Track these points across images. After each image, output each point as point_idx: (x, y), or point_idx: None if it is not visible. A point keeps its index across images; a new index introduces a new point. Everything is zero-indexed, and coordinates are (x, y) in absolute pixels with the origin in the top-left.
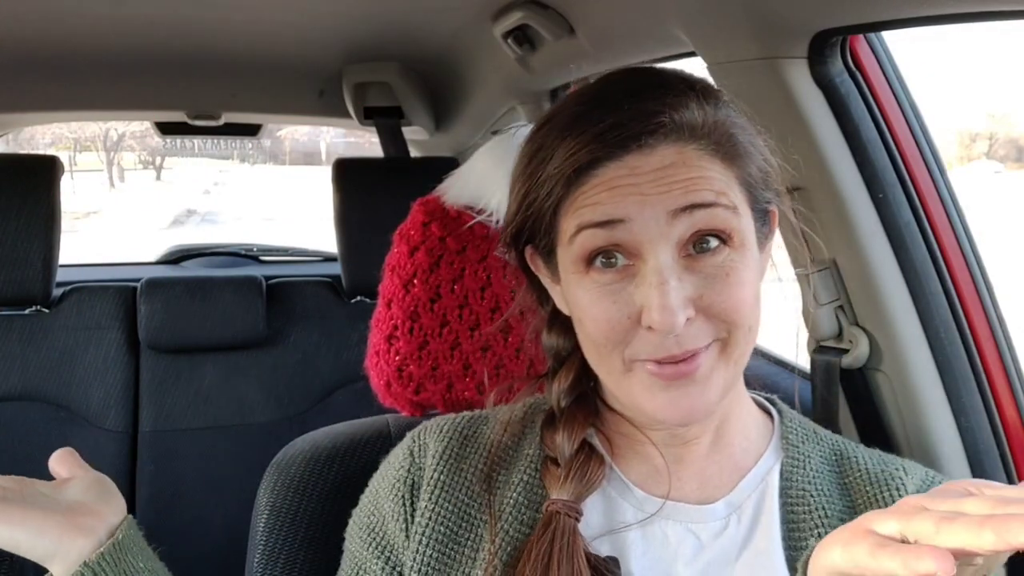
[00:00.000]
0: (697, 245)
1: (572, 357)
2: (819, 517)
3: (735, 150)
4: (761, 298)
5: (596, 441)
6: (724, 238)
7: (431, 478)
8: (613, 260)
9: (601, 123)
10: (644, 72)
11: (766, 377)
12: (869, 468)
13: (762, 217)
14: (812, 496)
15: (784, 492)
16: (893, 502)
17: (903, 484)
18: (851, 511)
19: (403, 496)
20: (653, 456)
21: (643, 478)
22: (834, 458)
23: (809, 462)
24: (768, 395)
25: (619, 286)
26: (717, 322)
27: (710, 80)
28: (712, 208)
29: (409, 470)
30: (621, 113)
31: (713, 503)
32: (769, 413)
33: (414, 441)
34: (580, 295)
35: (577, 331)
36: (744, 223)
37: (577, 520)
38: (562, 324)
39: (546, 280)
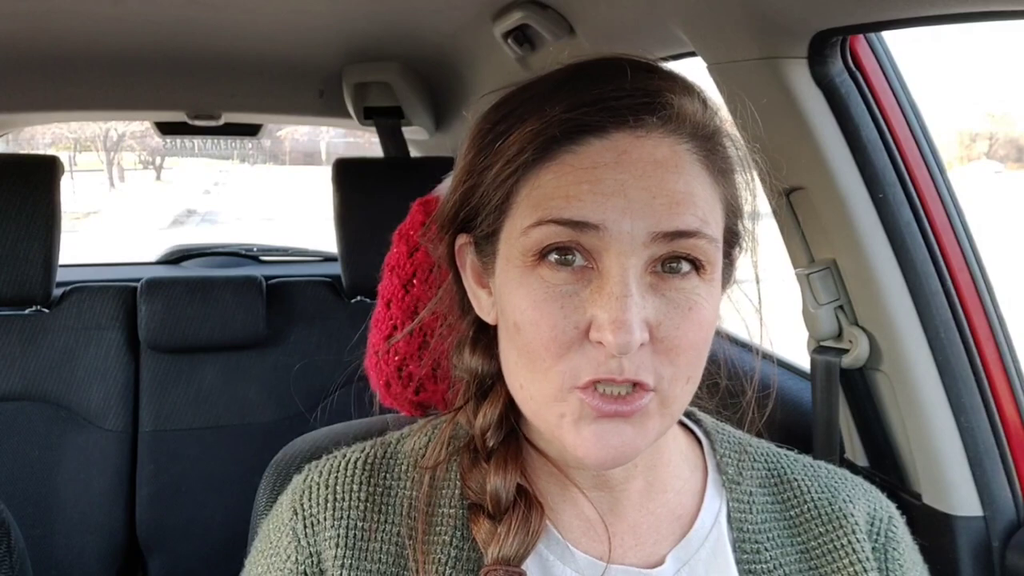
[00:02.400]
0: (666, 264)
1: (499, 383)
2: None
3: (725, 165)
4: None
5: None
6: (697, 266)
7: (337, 575)
8: (570, 258)
9: (593, 91)
10: (632, 57)
11: (766, 377)
12: (816, 501)
13: (728, 256)
14: (766, 548)
15: (738, 547)
16: (849, 546)
17: (856, 524)
18: (805, 555)
19: None
20: (583, 506)
21: (578, 535)
22: (773, 483)
23: (754, 501)
24: (688, 408)
25: (571, 289)
26: (664, 359)
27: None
28: (695, 238)
29: (298, 561)
30: (615, 83)
31: (660, 563)
32: (692, 432)
33: (296, 514)
34: (520, 295)
35: (506, 341)
36: (718, 257)
37: None
38: (487, 342)
39: (470, 282)
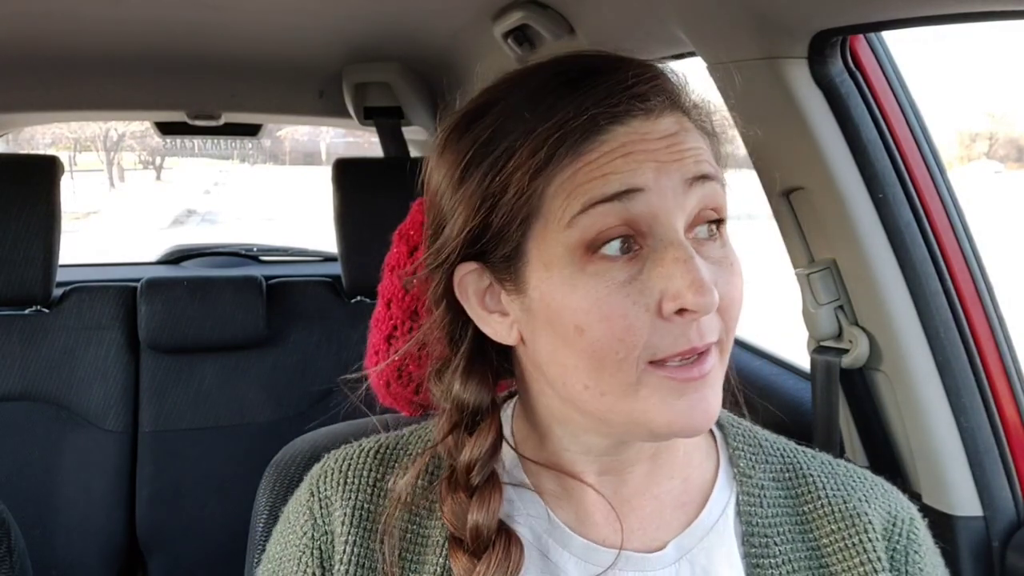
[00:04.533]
0: (700, 226)
1: (490, 416)
2: (787, 573)
3: (714, 129)
4: None
5: (524, 479)
6: (719, 218)
7: (343, 551)
8: (626, 245)
9: (603, 84)
10: (603, 51)
11: (767, 377)
12: (831, 498)
13: None
14: (775, 543)
15: (747, 540)
16: (861, 546)
17: (870, 524)
18: (816, 553)
19: (313, 573)
20: (586, 492)
21: (578, 520)
22: (787, 477)
23: (765, 495)
24: None
25: (629, 276)
26: (724, 318)
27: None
28: (715, 182)
29: (313, 538)
30: (620, 75)
31: (661, 548)
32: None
33: (313, 495)
34: (578, 297)
35: (554, 350)
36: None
37: None
38: (481, 373)
39: (476, 310)
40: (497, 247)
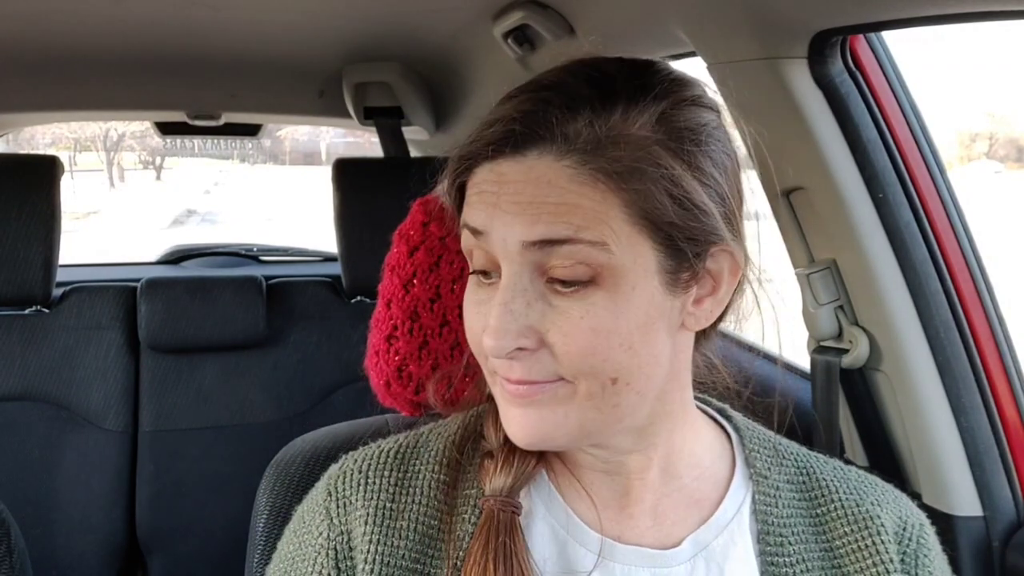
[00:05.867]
0: (560, 273)
1: None
2: (801, 572)
3: (639, 174)
4: (651, 346)
5: (544, 474)
6: (594, 271)
7: (366, 550)
8: (489, 274)
9: (492, 118)
10: (571, 67)
11: (766, 377)
12: (844, 501)
13: (683, 255)
14: (790, 543)
15: (762, 539)
16: (874, 547)
17: (883, 527)
18: (829, 554)
19: (328, 573)
20: (602, 488)
21: (595, 516)
22: (801, 480)
23: (780, 495)
24: (720, 405)
25: (485, 297)
26: (565, 362)
27: (684, 78)
28: (570, 244)
29: (329, 538)
30: (507, 110)
31: (677, 545)
32: (723, 428)
33: (331, 495)
34: (465, 299)
35: None
36: (624, 260)
37: (516, 514)
38: None
39: None
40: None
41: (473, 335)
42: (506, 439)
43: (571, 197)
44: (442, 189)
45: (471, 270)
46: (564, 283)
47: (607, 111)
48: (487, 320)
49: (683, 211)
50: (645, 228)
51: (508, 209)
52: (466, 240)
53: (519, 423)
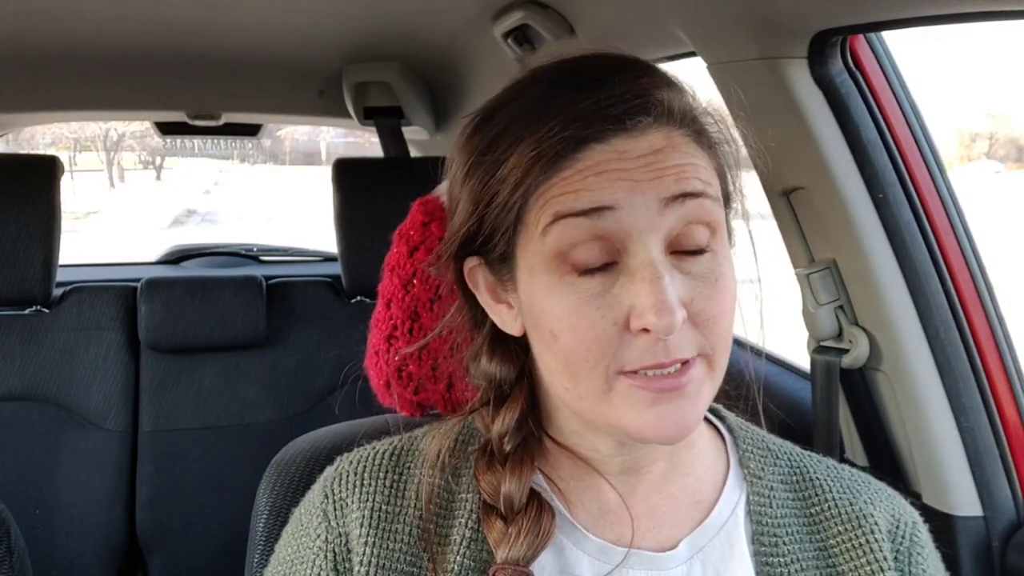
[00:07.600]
0: (684, 241)
1: (518, 388)
2: (796, 572)
3: (712, 138)
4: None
5: (541, 480)
6: (711, 231)
7: (362, 553)
8: (595, 258)
9: (585, 101)
10: (613, 55)
11: (767, 377)
12: (837, 500)
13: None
14: (785, 543)
15: (756, 539)
16: (868, 546)
17: (876, 525)
18: (823, 553)
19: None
20: (603, 491)
21: (594, 519)
22: (795, 480)
23: (774, 496)
24: (713, 404)
25: (601, 288)
26: (704, 333)
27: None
28: (701, 198)
29: (327, 540)
30: (606, 91)
31: (674, 547)
32: (716, 428)
33: (327, 497)
34: (553, 303)
35: (542, 349)
36: (723, 220)
37: None
38: (505, 349)
39: (487, 300)
40: (492, 247)
41: (592, 334)
42: (530, 500)
43: (691, 158)
44: (499, 204)
45: (578, 271)
46: (687, 253)
47: (683, 88)
48: (616, 309)
49: (727, 177)
50: (722, 189)
51: (641, 176)
52: (571, 233)
53: (662, 421)
